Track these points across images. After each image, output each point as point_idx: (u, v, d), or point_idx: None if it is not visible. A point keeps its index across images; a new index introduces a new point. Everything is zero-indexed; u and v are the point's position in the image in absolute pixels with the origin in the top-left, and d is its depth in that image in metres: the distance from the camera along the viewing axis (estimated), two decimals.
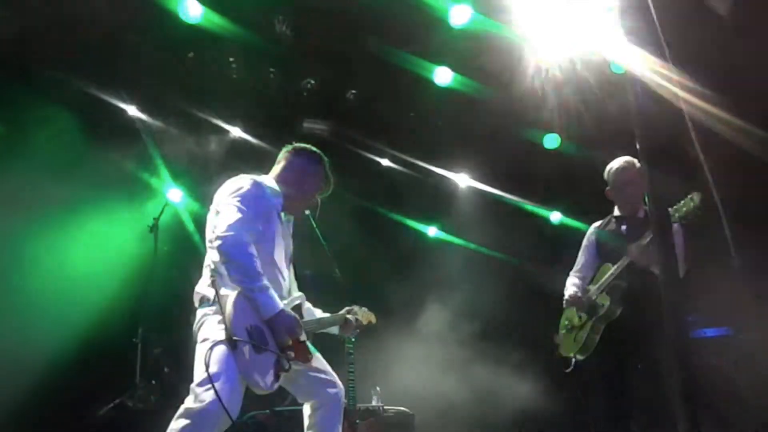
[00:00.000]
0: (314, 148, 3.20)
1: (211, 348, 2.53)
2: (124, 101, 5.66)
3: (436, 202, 7.24)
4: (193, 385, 2.53)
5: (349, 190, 6.45)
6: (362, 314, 3.28)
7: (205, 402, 2.44)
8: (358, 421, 3.95)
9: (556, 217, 7.34)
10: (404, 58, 6.00)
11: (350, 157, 6.80)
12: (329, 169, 3.19)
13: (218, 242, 2.65)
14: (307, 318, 3.04)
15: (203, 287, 2.81)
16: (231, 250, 2.64)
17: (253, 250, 2.68)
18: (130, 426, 4.09)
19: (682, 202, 3.36)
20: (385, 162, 7.23)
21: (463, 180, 7.49)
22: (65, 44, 4.85)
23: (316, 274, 4.87)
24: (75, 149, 4.71)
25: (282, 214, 3.03)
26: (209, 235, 2.81)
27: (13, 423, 3.89)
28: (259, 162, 6.14)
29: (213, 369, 2.48)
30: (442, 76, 6.39)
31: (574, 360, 3.89)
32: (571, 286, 4.06)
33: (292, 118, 6.59)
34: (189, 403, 2.50)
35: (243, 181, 2.87)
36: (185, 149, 5.82)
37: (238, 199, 2.76)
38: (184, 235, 5.45)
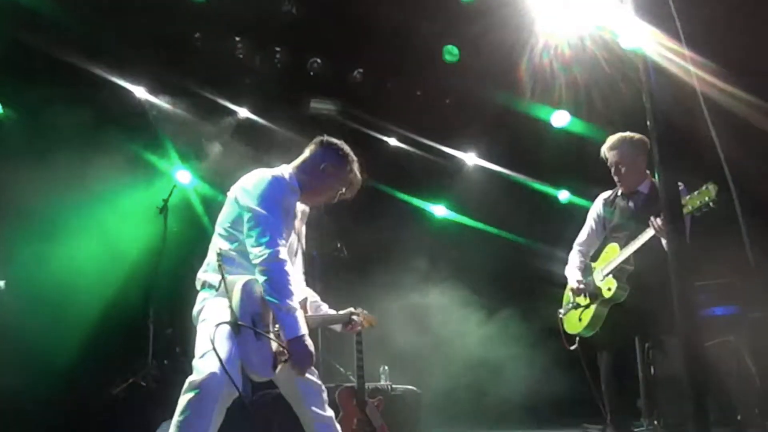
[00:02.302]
0: (344, 146, 3.06)
1: (216, 328, 2.51)
2: (132, 83, 5.64)
3: (444, 181, 7.21)
4: (194, 361, 2.55)
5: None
6: (364, 317, 3.28)
7: (207, 372, 2.45)
8: (367, 399, 3.99)
9: (564, 195, 7.31)
10: (412, 35, 5.94)
11: (357, 136, 6.78)
12: (357, 169, 3.06)
13: (258, 259, 2.64)
14: (312, 313, 3.04)
15: (208, 273, 2.81)
16: (270, 268, 2.64)
17: (289, 267, 2.70)
18: (143, 404, 4.15)
19: (697, 192, 3.26)
20: (392, 141, 7.19)
21: (470, 159, 7.47)
22: (71, 25, 4.84)
23: (322, 254, 4.92)
24: (86, 132, 4.69)
25: (298, 208, 3.01)
26: (227, 226, 2.82)
27: (29, 401, 3.97)
28: (266, 142, 6.22)
29: (217, 344, 2.47)
30: (451, 54, 6.35)
31: (578, 338, 3.87)
32: (574, 267, 4.04)
33: (299, 97, 6.55)
34: (192, 377, 2.51)
35: (265, 180, 2.80)
36: (193, 130, 5.81)
37: (265, 204, 2.73)
38: (193, 216, 5.47)
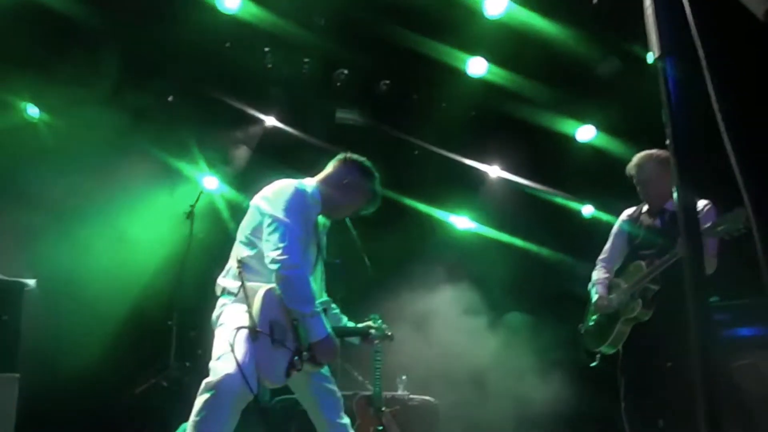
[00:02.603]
0: (367, 162, 3.19)
1: (235, 332, 2.61)
2: (162, 90, 5.79)
3: (466, 192, 7.22)
4: (211, 363, 2.65)
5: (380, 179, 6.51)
6: (381, 332, 3.33)
7: (223, 373, 2.54)
8: (383, 408, 4.01)
9: (588, 210, 7.25)
10: (438, 48, 6.00)
11: (381, 147, 6.83)
12: (378, 186, 3.18)
13: (275, 265, 2.72)
14: (330, 321, 3.09)
15: (227, 279, 2.89)
16: (288, 275, 2.72)
17: (306, 272, 2.79)
18: (164, 405, 4.23)
19: (730, 215, 3.24)
20: (416, 152, 7.23)
21: (494, 171, 7.47)
22: (100, 31, 4.99)
23: (346, 261, 4.95)
24: (117, 136, 4.84)
25: (319, 220, 3.08)
26: (248, 233, 2.89)
27: (54, 399, 4.06)
28: (292, 151, 6.31)
29: (238, 347, 2.57)
30: (476, 66, 6.38)
31: (599, 355, 3.85)
32: (597, 284, 4.01)
33: (325, 107, 6.65)
34: (209, 378, 2.60)
35: (288, 189, 2.90)
36: (221, 138, 5.93)
37: (286, 212, 2.81)
38: (219, 221, 5.57)
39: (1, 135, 4.69)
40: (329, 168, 3.15)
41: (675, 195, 1.69)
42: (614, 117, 6.61)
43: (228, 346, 2.56)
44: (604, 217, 6.34)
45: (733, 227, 3.23)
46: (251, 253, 2.87)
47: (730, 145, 1.78)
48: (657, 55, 1.71)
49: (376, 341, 3.31)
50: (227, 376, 2.53)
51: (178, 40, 5.36)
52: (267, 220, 2.82)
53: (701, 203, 3.76)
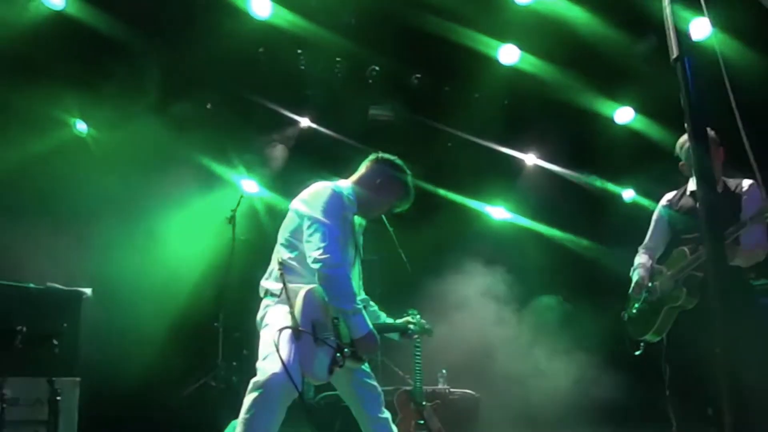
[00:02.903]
0: (398, 160, 3.25)
1: (279, 333, 2.70)
2: (201, 99, 5.98)
3: (503, 182, 7.17)
4: (258, 363, 2.76)
5: (415, 173, 6.55)
6: (420, 326, 3.38)
7: (270, 372, 2.65)
8: (424, 403, 4.06)
9: (629, 195, 7.10)
10: (468, 37, 5.96)
11: (415, 141, 6.87)
12: (411, 183, 3.23)
13: (317, 265, 2.82)
14: (370, 318, 3.16)
15: (270, 281, 2.99)
16: (331, 273, 2.81)
17: (346, 270, 2.88)
18: (214, 403, 4.42)
19: None
20: (450, 144, 7.23)
21: (530, 159, 7.39)
22: (141, 48, 5.20)
23: (383, 258, 5.02)
24: (160, 145, 5.04)
25: (355, 220, 3.17)
26: (288, 235, 2.99)
27: (110, 401, 4.30)
28: (328, 150, 6.41)
29: (283, 347, 2.66)
30: (508, 54, 6.31)
31: (643, 344, 3.78)
32: (639, 270, 3.94)
33: (359, 104, 6.71)
34: (256, 377, 2.72)
35: (325, 192, 2.98)
36: (259, 141, 6.08)
37: (325, 214, 2.90)
38: (259, 224, 5.71)
39: (53, 151, 4.94)
40: (362, 169, 3.23)
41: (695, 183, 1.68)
42: (653, 98, 6.43)
43: (273, 347, 2.66)
44: (645, 201, 6.21)
45: None
46: (292, 255, 2.96)
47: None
48: (675, 55, 1.72)
49: (416, 336, 3.36)
50: (274, 376, 2.64)
51: (213, 49, 5.51)
52: (306, 222, 2.91)
53: (746, 183, 3.65)
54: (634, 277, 3.91)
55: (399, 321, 3.31)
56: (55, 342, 3.57)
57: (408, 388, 4.14)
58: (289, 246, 2.98)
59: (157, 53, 5.24)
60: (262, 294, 3.04)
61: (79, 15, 4.88)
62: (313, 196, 2.98)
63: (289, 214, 3.05)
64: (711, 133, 3.83)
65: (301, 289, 2.83)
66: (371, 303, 3.32)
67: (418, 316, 3.38)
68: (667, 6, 1.80)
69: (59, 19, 4.95)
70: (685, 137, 3.83)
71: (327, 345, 2.76)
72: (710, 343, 3.60)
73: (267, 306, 2.96)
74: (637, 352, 3.82)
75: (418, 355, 4.09)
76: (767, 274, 4.84)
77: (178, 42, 5.36)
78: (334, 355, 2.78)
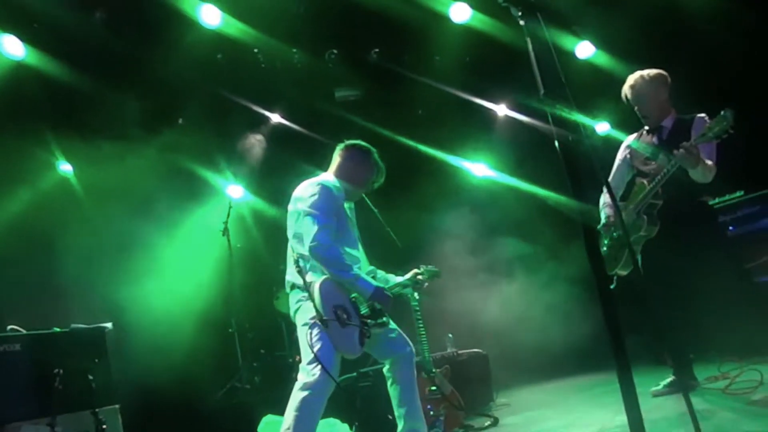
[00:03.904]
0: (364, 144, 3.60)
1: (310, 330, 3.10)
2: (174, 115, 6.13)
3: (479, 140, 7.34)
4: (303, 364, 3.11)
5: (393, 141, 6.76)
6: (428, 272, 3.67)
7: (317, 375, 3.04)
8: (434, 370, 4.30)
9: (603, 128, 7.25)
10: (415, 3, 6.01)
11: (387, 114, 7.01)
12: (379, 159, 3.59)
13: (311, 253, 3.16)
14: (383, 285, 3.49)
15: (293, 275, 3.31)
16: (322, 254, 3.15)
17: (338, 247, 3.21)
18: (243, 402, 4.73)
19: (715, 119, 3.42)
20: (420, 111, 7.38)
21: (501, 110, 7.55)
22: (103, 68, 5.32)
23: (366, 238, 5.27)
24: (146, 174, 5.24)
25: (345, 205, 3.48)
26: (293, 232, 3.31)
27: (145, 415, 4.58)
28: (302, 140, 6.54)
29: (316, 348, 3.06)
30: (459, 13, 6.40)
31: (616, 277, 4.03)
32: (606, 206, 4.14)
33: (325, 90, 6.85)
34: (304, 378, 3.08)
35: (313, 188, 3.31)
36: (236, 142, 6.25)
37: (314, 207, 3.23)
38: (249, 230, 5.92)
39: (42, 195, 5.13)
40: (336, 159, 3.57)
41: None
42: (611, 33, 6.55)
43: (309, 348, 3.05)
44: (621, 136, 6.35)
45: (721, 129, 3.39)
46: (304, 248, 3.23)
47: None
48: (541, 92, 2.05)
49: (426, 283, 3.62)
50: (319, 378, 3.02)
51: (175, 64, 5.62)
52: (300, 217, 3.24)
53: (700, 115, 3.89)
54: (602, 216, 4.17)
55: (407, 276, 3.62)
56: (91, 377, 3.85)
57: (417, 358, 4.33)
58: (300, 242, 3.28)
59: (123, 82, 5.36)
60: (288, 288, 3.37)
61: (39, 64, 5.01)
62: (305, 192, 3.31)
63: (290, 214, 3.38)
64: (657, 72, 4.06)
65: (315, 282, 3.17)
66: (378, 271, 3.64)
67: (423, 266, 3.66)
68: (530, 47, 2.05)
69: (23, 68, 5.08)
70: (626, 83, 4.06)
71: (352, 324, 3.14)
72: (681, 264, 3.88)
73: (299, 302, 3.28)
74: (611, 287, 4.08)
75: (421, 327, 4.33)
76: (718, 194, 5.16)
77: (139, 65, 5.47)
78: (361, 329, 3.16)
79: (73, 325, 4.08)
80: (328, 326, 3.08)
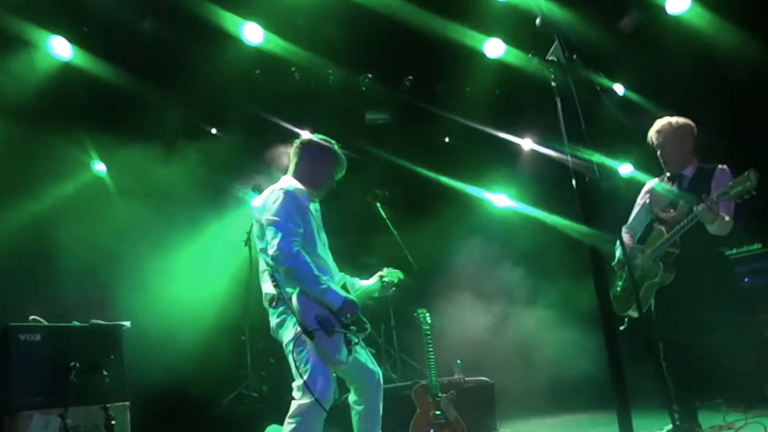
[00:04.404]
0: (320, 137, 3.44)
1: (296, 349, 2.99)
2: (207, 123, 6.33)
3: (502, 170, 7.42)
4: (295, 385, 3.02)
5: (417, 168, 6.87)
6: (391, 274, 3.52)
7: (309, 402, 2.94)
8: (440, 395, 4.33)
9: (626, 170, 7.27)
10: (454, 34, 6.16)
11: (415, 140, 7.15)
12: (338, 149, 3.42)
13: (275, 263, 3.03)
14: (351, 290, 3.37)
15: (270, 288, 3.15)
16: (289, 265, 2.99)
17: (304, 256, 3.05)
18: (249, 410, 4.78)
19: (738, 179, 3.43)
20: (447, 139, 7.50)
21: (527, 144, 7.62)
22: (146, 77, 5.53)
23: (384, 260, 5.34)
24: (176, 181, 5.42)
25: (311, 207, 3.33)
26: (260, 244, 3.18)
27: (154, 416, 4.65)
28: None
29: (305, 368, 2.96)
30: (493, 48, 6.53)
31: (627, 319, 4.02)
32: (620, 249, 4.14)
33: (355, 112, 7.01)
34: (297, 403, 2.99)
35: (274, 195, 3.14)
36: (264, 158, 6.41)
37: (276, 214, 3.06)
38: None
39: (77, 193, 5.32)
40: (294, 159, 3.38)
41: None
42: (643, 74, 6.62)
43: (298, 374, 2.94)
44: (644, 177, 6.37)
45: (744, 189, 3.40)
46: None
47: None
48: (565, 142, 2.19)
49: (392, 288, 3.48)
50: (308, 407, 2.92)
51: (214, 78, 5.84)
52: (264, 226, 3.10)
53: (720, 167, 3.92)
54: (617, 254, 4.18)
55: (373, 279, 3.47)
56: (105, 372, 3.95)
57: (425, 382, 4.37)
58: (265, 252, 3.13)
59: (163, 91, 5.57)
60: (267, 303, 3.21)
61: (86, 65, 5.24)
62: (268, 201, 3.15)
63: (255, 224, 3.23)
64: (684, 121, 4.11)
65: (293, 294, 3.02)
66: (346, 276, 3.46)
67: (387, 268, 3.53)
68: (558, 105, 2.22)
69: (68, 69, 5.31)
70: (653, 128, 4.11)
71: (336, 331, 3.02)
72: (694, 313, 3.88)
73: (281, 316, 3.11)
74: (622, 328, 4.06)
75: (431, 351, 4.37)
76: (736, 245, 5.15)
77: (180, 77, 5.69)
78: (346, 336, 3.07)
79: (93, 321, 4.20)
80: (314, 337, 2.94)
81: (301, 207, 3.18)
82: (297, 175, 3.34)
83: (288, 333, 3.09)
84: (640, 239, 4.23)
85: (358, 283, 3.49)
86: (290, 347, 3.04)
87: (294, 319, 3.01)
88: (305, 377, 2.96)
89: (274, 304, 3.18)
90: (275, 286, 3.06)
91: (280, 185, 3.23)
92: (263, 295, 3.25)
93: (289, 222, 3.06)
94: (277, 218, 3.06)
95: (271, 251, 3.02)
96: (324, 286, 3.06)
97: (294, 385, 3.06)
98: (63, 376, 3.82)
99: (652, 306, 3.98)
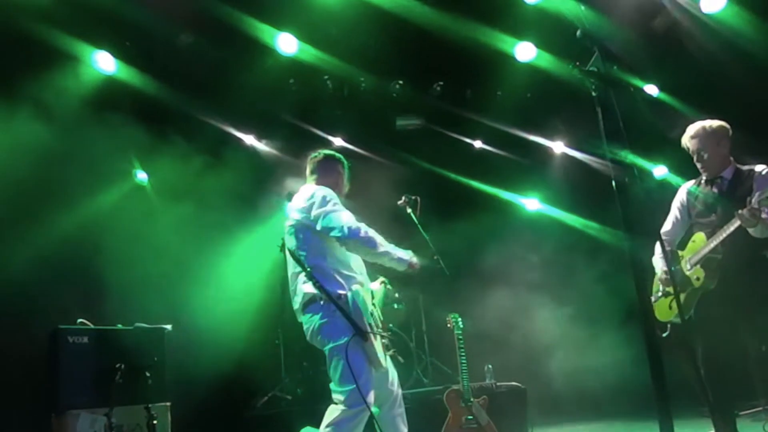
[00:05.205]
0: (334, 152, 3.67)
1: (349, 351, 2.94)
2: (244, 131, 6.49)
3: (533, 174, 7.40)
4: (341, 389, 3.00)
5: (448, 174, 6.93)
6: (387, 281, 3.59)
7: (358, 407, 2.96)
8: (472, 399, 4.35)
9: (661, 171, 7.18)
10: (485, 39, 6.20)
11: (445, 145, 7.20)
12: (344, 159, 3.67)
13: (345, 238, 3.10)
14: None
15: (310, 288, 3.11)
16: (357, 236, 3.12)
17: (368, 228, 3.19)
18: (283, 413, 4.89)
19: None
20: (477, 144, 7.51)
21: (558, 147, 7.58)
22: (185, 88, 5.74)
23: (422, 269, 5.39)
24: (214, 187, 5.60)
25: None
26: (297, 244, 3.24)
27: (193, 414, 4.78)
28: (359, 163, 6.78)
29: (357, 371, 2.93)
30: (525, 51, 6.54)
31: (669, 325, 3.97)
32: (660, 256, 4.09)
33: (387, 118, 7.10)
34: (343, 404, 2.99)
35: (319, 192, 3.27)
36: (298, 166, 6.55)
37: (329, 204, 3.21)
38: None
39: (119, 200, 5.55)
40: (317, 170, 3.56)
41: None
42: (675, 75, 6.54)
43: (348, 372, 2.91)
44: (677, 180, 6.29)
45: None
46: (315, 260, 3.16)
47: None
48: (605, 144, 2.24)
49: (396, 293, 3.67)
50: (358, 410, 2.95)
51: (250, 87, 6.01)
52: (316, 217, 3.16)
53: (758, 167, 3.85)
54: (657, 269, 4.14)
55: (377, 285, 3.49)
56: (148, 374, 4.10)
57: (456, 386, 4.41)
58: (308, 252, 3.19)
59: (201, 101, 5.77)
60: (303, 305, 3.20)
61: (128, 78, 5.46)
62: (309, 199, 3.26)
63: (293, 224, 3.30)
64: (719, 123, 4.06)
65: (348, 293, 3.07)
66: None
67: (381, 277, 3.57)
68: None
69: (112, 82, 5.55)
70: (686, 133, 4.06)
71: (378, 335, 3.07)
72: (735, 319, 3.82)
73: (325, 317, 3.08)
74: (664, 334, 4.03)
75: (463, 356, 4.40)
76: None
77: (218, 87, 5.87)
78: (384, 342, 3.15)
79: (137, 324, 4.37)
80: (367, 339, 2.95)
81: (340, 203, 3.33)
82: (325, 183, 3.46)
83: (336, 334, 3.05)
84: (680, 244, 4.18)
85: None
86: (340, 350, 3.00)
87: (344, 320, 3.00)
88: (359, 381, 2.93)
89: (312, 306, 3.17)
90: (318, 287, 3.05)
91: (313, 189, 3.34)
92: (300, 297, 3.23)
93: (338, 205, 3.23)
94: (329, 207, 3.19)
95: (339, 234, 3.11)
96: (391, 247, 3.26)
97: (338, 389, 3.03)
98: (108, 377, 3.98)
99: (693, 313, 3.94)
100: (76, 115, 5.25)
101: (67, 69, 5.33)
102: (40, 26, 4.89)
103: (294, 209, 3.34)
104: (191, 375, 4.86)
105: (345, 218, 3.16)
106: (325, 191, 3.29)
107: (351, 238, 3.13)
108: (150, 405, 3.99)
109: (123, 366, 4.02)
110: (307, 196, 3.29)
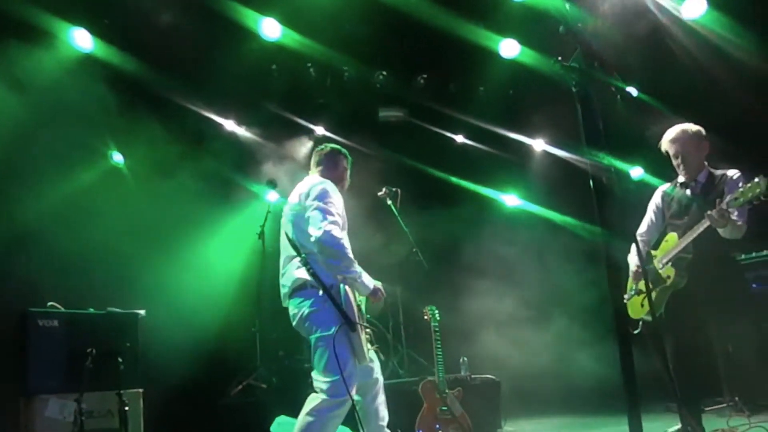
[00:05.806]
0: (337, 146, 3.72)
1: (335, 339, 3.01)
2: (223, 116, 6.40)
3: (513, 171, 7.45)
4: (323, 379, 3.05)
5: (428, 168, 6.94)
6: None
7: (341, 397, 3.02)
8: (447, 391, 4.39)
9: (637, 172, 7.29)
10: (469, 34, 6.21)
11: (427, 138, 7.20)
12: (349, 157, 3.75)
13: (318, 243, 3.10)
14: None
15: (303, 273, 3.15)
16: (330, 245, 3.09)
17: (345, 240, 3.18)
18: (258, 401, 4.84)
19: (749, 185, 3.44)
20: (459, 138, 7.53)
21: (539, 145, 7.64)
22: (164, 69, 5.62)
23: (395, 257, 5.43)
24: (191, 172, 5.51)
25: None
26: (294, 228, 3.27)
27: (165, 403, 4.76)
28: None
29: (343, 362, 2.98)
30: (509, 48, 6.57)
31: (641, 322, 4.04)
32: (634, 255, 4.19)
33: (369, 109, 7.07)
34: (324, 396, 3.02)
35: (317, 186, 3.30)
36: (278, 153, 6.49)
37: (321, 200, 3.22)
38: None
39: (94, 182, 5.42)
40: (323, 162, 3.61)
41: None
42: (657, 76, 6.63)
43: (335, 364, 2.97)
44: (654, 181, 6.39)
45: (754, 195, 3.40)
46: (309, 247, 3.20)
47: None
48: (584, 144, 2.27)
49: (383, 295, 3.51)
50: (341, 401, 3.00)
51: (231, 71, 5.92)
52: (309, 210, 3.21)
53: (730, 172, 3.94)
54: (631, 266, 4.21)
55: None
56: (120, 359, 4.02)
57: (432, 378, 4.44)
58: (306, 239, 3.21)
59: (180, 83, 5.66)
60: (292, 290, 3.23)
61: (107, 57, 5.33)
62: (310, 189, 3.30)
63: (291, 211, 3.36)
64: (697, 127, 4.13)
65: (338, 284, 3.10)
66: None
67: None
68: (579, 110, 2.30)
69: (90, 60, 5.40)
70: (665, 136, 4.13)
71: (364, 328, 3.13)
72: (703, 317, 3.92)
73: (314, 304, 3.12)
74: (636, 331, 4.11)
75: (439, 348, 4.44)
76: (747, 250, 5.17)
77: (198, 70, 5.77)
78: (368, 335, 3.19)
79: (110, 309, 4.29)
80: (355, 330, 3.01)
81: (339, 198, 3.36)
82: (328, 176, 3.51)
83: (325, 324, 3.09)
84: (654, 245, 4.26)
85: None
86: (326, 340, 3.05)
87: (334, 311, 3.05)
88: (344, 371, 2.99)
89: (302, 291, 3.19)
90: (312, 274, 3.11)
91: (319, 180, 3.39)
92: (291, 281, 3.26)
93: (332, 208, 3.22)
94: (322, 204, 3.20)
95: (317, 233, 3.12)
96: (360, 270, 3.22)
97: (322, 379, 3.06)
98: (79, 361, 3.89)
99: (663, 310, 4.02)
100: (51, 93, 5.10)
101: (44, 45, 5.19)
102: (16, 0, 4.77)
103: (297, 194, 3.39)
104: (165, 361, 4.78)
105: (330, 222, 3.15)
106: (330, 187, 3.34)
107: (325, 243, 3.11)
108: (122, 391, 3.92)
109: (94, 351, 3.93)
110: (311, 185, 3.35)
